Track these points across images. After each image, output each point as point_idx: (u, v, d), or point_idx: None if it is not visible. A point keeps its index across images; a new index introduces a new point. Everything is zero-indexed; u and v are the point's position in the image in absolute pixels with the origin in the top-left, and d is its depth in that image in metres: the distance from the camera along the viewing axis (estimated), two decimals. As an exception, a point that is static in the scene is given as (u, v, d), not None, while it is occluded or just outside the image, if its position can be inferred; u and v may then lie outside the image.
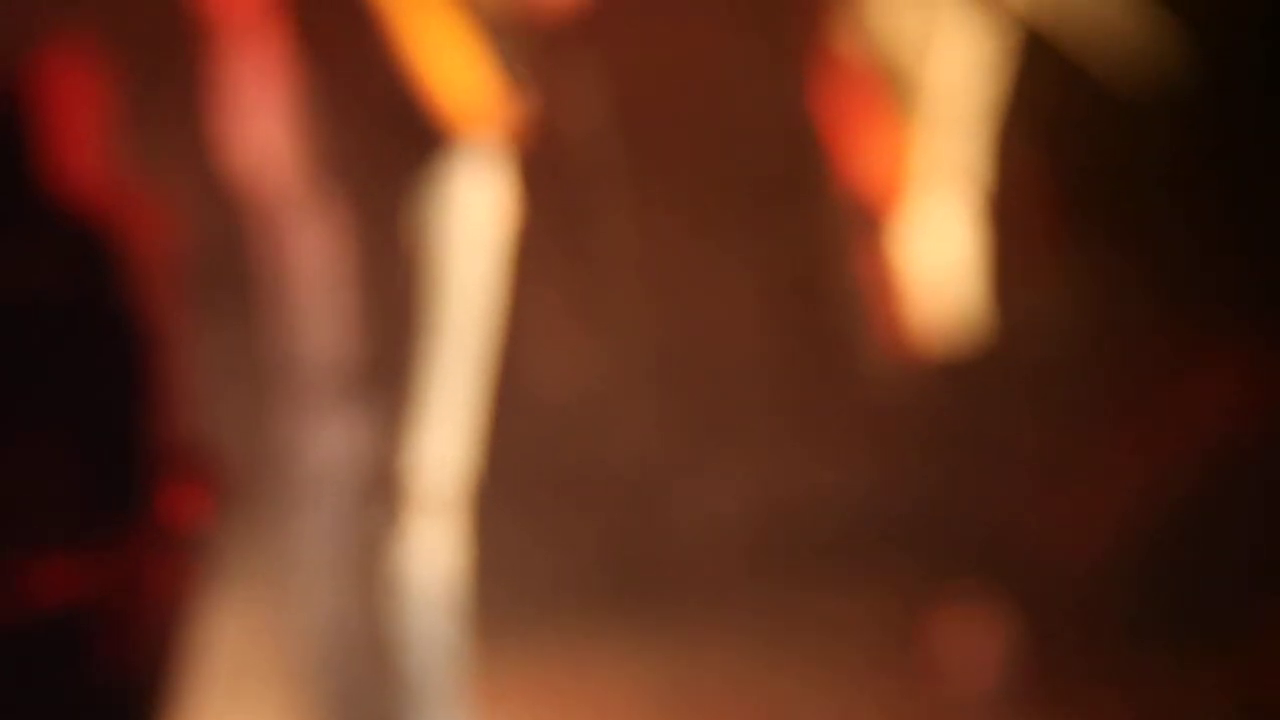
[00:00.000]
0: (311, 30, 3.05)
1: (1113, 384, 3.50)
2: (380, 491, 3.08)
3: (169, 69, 4.17)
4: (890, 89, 2.90)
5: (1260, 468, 3.08)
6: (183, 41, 3.63)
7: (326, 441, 3.10)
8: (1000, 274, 2.89)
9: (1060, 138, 2.98)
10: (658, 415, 3.96)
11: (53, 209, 2.87)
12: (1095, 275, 3.38)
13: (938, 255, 2.91)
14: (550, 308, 4.00)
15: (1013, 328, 2.93)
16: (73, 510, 2.67)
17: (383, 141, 3.04)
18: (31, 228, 2.84)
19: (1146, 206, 4.94)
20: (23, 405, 2.70)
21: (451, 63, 3.03)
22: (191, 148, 3.81)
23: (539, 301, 3.70)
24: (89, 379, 2.75)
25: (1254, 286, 3.18)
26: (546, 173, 3.27)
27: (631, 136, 3.47)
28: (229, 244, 3.77)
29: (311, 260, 3.11)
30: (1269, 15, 4.64)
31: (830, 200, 3.17)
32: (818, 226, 3.68)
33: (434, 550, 3.06)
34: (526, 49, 3.12)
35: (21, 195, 2.84)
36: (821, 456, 3.49)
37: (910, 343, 3.01)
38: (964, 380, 2.96)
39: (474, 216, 3.10)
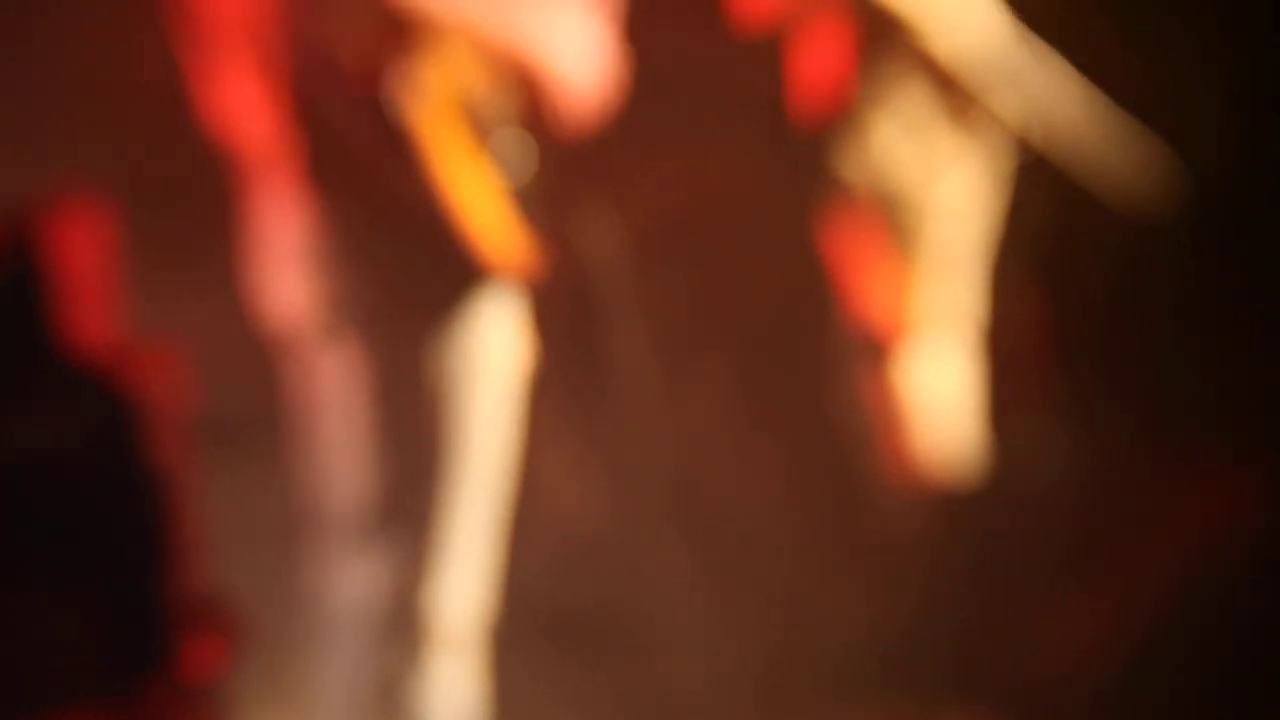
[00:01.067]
0: (330, 173, 3.11)
1: (1108, 513, 3.55)
2: (400, 630, 3.11)
3: (191, 214, 4.26)
4: (894, 221, 2.98)
5: (1249, 586, 3.12)
6: (205, 186, 3.70)
7: (347, 582, 3.14)
8: (996, 406, 2.96)
9: (1054, 265, 3.04)
10: (671, 554, 4.02)
11: (68, 368, 2.93)
12: (1088, 405, 3.44)
13: (939, 388, 2.98)
14: (566, 447, 4.06)
15: (1010, 459, 2.99)
16: (93, 666, 2.71)
17: (404, 282, 3.09)
18: (48, 387, 2.91)
19: (1139, 334, 5.01)
20: (40, 562, 2.76)
21: (471, 203, 3.09)
22: (213, 292, 3.86)
23: (555, 441, 3.76)
24: (107, 535, 2.80)
25: (1245, 414, 3.23)
26: (561, 311, 3.34)
27: (645, 273, 3.54)
28: (251, 388, 3.85)
29: (332, 402, 3.14)
30: (1261, 145, 4.74)
31: (838, 333, 3.23)
32: (826, 358, 3.74)
33: (452, 688, 3.10)
34: (541, 187, 3.19)
35: (37, 356, 2.91)
36: (831, 591, 3.53)
37: (914, 474, 3.06)
38: (963, 511, 3.01)
39: (492, 355, 3.14)
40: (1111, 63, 4.19)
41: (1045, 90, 2.94)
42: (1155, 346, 4.37)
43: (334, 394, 3.14)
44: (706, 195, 4.65)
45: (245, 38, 3.14)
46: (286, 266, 3.16)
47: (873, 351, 3.05)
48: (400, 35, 3.07)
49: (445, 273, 3.10)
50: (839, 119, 3.03)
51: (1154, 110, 3.06)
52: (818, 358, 3.65)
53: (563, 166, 3.33)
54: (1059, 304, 2.92)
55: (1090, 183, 3.12)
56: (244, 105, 3.17)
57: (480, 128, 3.16)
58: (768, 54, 3.21)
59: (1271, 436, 3.30)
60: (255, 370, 3.43)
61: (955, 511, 3.01)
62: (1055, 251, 3.02)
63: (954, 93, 2.98)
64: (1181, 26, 5.13)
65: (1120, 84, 3.09)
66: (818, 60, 3.08)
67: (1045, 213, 2.99)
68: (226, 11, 3.15)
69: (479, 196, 3.11)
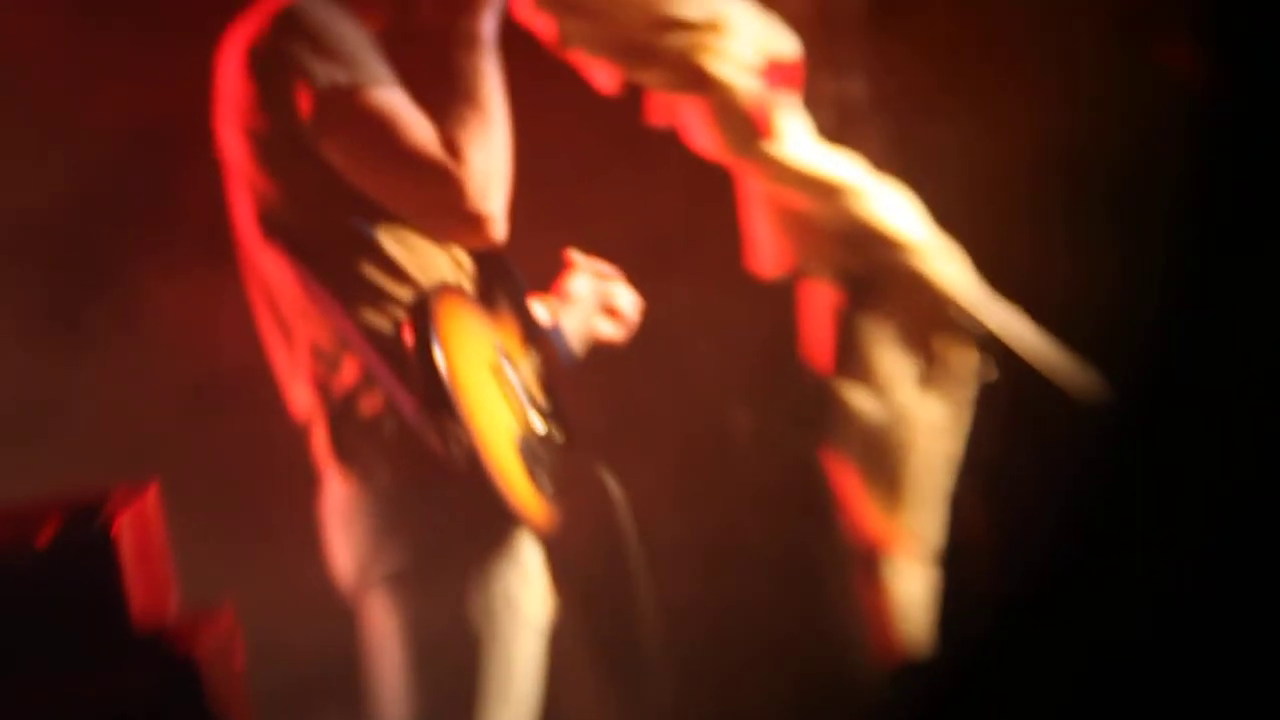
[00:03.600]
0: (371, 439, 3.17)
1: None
2: None
3: (253, 494, 4.41)
4: (877, 447, 3.18)
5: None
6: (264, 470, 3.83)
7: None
8: (946, 613, 3.17)
9: (1003, 489, 3.27)
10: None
11: (137, 645, 3.05)
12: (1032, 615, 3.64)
13: (909, 591, 3.18)
14: (591, 686, 4.19)
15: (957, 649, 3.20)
16: None
17: (442, 536, 3.14)
18: (119, 664, 3.03)
19: (1080, 555, 5.16)
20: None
21: (502, 456, 3.13)
22: (277, 560, 3.95)
23: (575, 685, 3.86)
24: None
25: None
26: (574, 562, 3.46)
27: (647, 521, 3.67)
28: (311, 650, 3.99)
29: (381, 657, 3.21)
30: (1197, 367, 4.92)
31: (834, 544, 3.39)
32: (827, 568, 3.90)
33: None
34: (552, 451, 3.28)
35: (108, 636, 3.02)
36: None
37: (897, 657, 3.24)
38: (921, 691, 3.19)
39: (523, 603, 3.20)
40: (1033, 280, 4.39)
41: (999, 320, 3.16)
42: (1093, 567, 4.54)
43: (382, 649, 3.19)
44: (716, 431, 4.84)
45: (298, 319, 3.22)
46: (343, 525, 3.21)
47: (865, 559, 3.22)
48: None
49: (479, 525, 3.14)
50: (837, 360, 3.21)
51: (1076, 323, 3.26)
52: (819, 569, 3.84)
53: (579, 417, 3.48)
54: (1003, 522, 3.11)
55: (1034, 401, 3.31)
56: (299, 380, 3.24)
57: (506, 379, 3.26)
58: (781, 299, 3.38)
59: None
60: (314, 632, 3.58)
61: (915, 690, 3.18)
62: (1003, 474, 3.20)
63: (928, 329, 3.19)
64: (1093, 228, 5.33)
65: (1042, 299, 3.29)
66: (819, 305, 3.27)
67: (996, 437, 3.18)
68: (281, 299, 3.24)
69: (508, 447, 3.17)
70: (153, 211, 4.77)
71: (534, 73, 3.61)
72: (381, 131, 3.13)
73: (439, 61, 3.28)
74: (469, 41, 3.27)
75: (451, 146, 3.15)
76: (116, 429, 4.49)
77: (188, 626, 3.20)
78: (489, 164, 3.17)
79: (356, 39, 3.20)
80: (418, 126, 3.14)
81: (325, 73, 3.13)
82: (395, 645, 3.19)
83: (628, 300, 3.69)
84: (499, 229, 3.18)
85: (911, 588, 3.15)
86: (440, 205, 3.15)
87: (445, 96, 3.22)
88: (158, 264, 4.81)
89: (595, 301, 3.64)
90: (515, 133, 3.35)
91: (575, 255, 3.68)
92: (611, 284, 3.68)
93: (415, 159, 3.13)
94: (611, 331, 3.67)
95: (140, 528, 3.23)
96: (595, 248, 4.07)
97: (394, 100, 3.15)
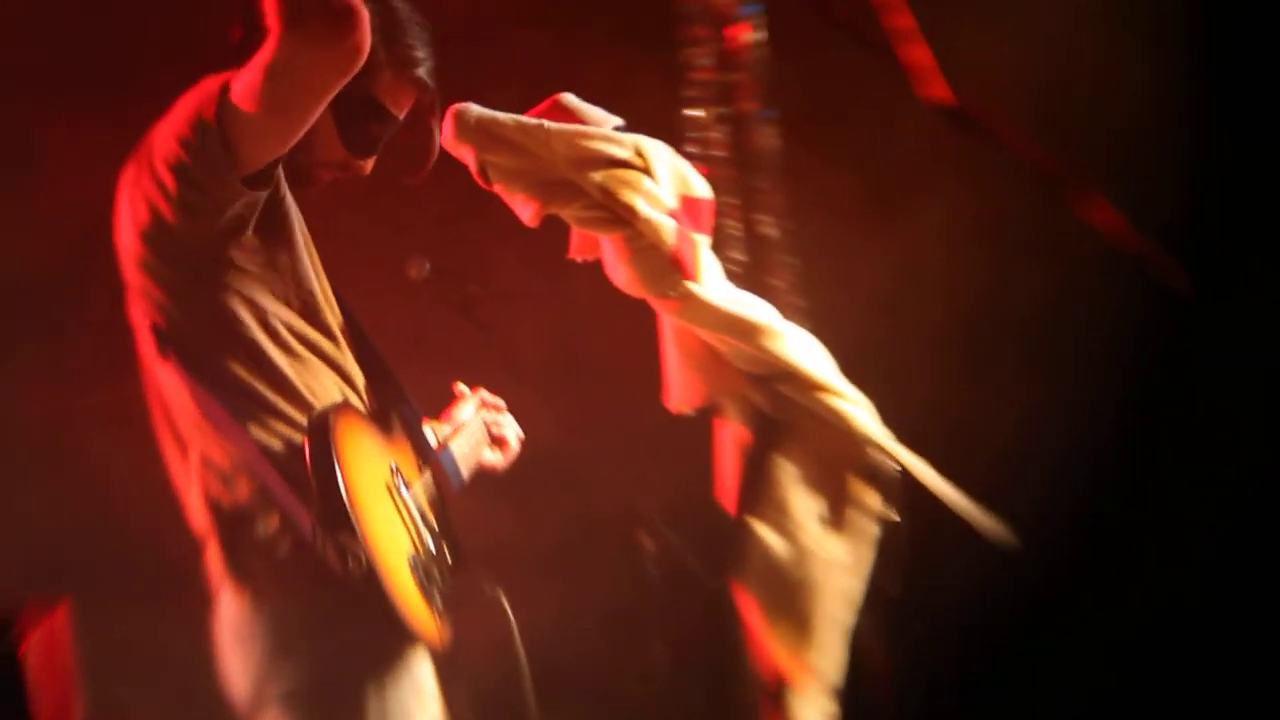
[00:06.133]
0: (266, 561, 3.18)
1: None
2: None
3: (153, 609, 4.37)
4: (786, 585, 3.20)
5: None
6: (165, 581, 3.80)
7: None
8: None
9: (902, 624, 3.30)
10: None
11: None
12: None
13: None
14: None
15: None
16: None
17: (340, 655, 3.15)
18: None
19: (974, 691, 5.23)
20: None
21: (398, 575, 3.14)
22: (172, 676, 3.91)
23: None
24: None
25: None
26: (467, 679, 3.47)
27: (545, 644, 3.68)
28: None
29: None
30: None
31: (741, 675, 3.40)
32: (730, 699, 3.92)
33: None
34: (445, 570, 3.31)
35: None
36: None
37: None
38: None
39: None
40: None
41: (903, 459, 3.19)
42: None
43: None
44: (624, 559, 4.85)
45: (195, 434, 3.23)
46: (239, 642, 3.21)
47: (770, 691, 3.23)
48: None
49: (375, 643, 3.16)
50: (746, 497, 3.23)
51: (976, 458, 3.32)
52: (725, 700, 3.84)
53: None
54: (901, 660, 3.14)
55: (935, 539, 3.36)
56: (196, 491, 3.24)
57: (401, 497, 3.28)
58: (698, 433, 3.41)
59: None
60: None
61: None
62: (901, 615, 3.23)
63: (835, 468, 3.23)
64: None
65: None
66: (730, 442, 3.30)
67: (900, 578, 3.21)
68: (178, 414, 3.24)
69: (403, 565, 3.19)
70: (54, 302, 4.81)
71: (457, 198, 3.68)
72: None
73: None
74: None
75: None
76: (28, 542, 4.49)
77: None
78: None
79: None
80: None
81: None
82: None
83: (513, 431, 3.80)
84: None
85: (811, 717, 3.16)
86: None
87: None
88: (57, 372, 4.84)
89: (482, 430, 3.74)
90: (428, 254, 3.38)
91: (462, 385, 3.76)
92: (498, 414, 3.79)
93: None
94: (496, 460, 3.78)
95: (49, 646, 3.22)
96: (514, 372, 4.12)
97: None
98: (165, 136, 3.20)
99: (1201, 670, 5.20)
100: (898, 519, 3.15)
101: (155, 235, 3.21)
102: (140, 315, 3.28)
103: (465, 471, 3.62)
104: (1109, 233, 2.33)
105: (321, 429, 3.14)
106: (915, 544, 3.12)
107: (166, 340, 3.23)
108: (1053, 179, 2.37)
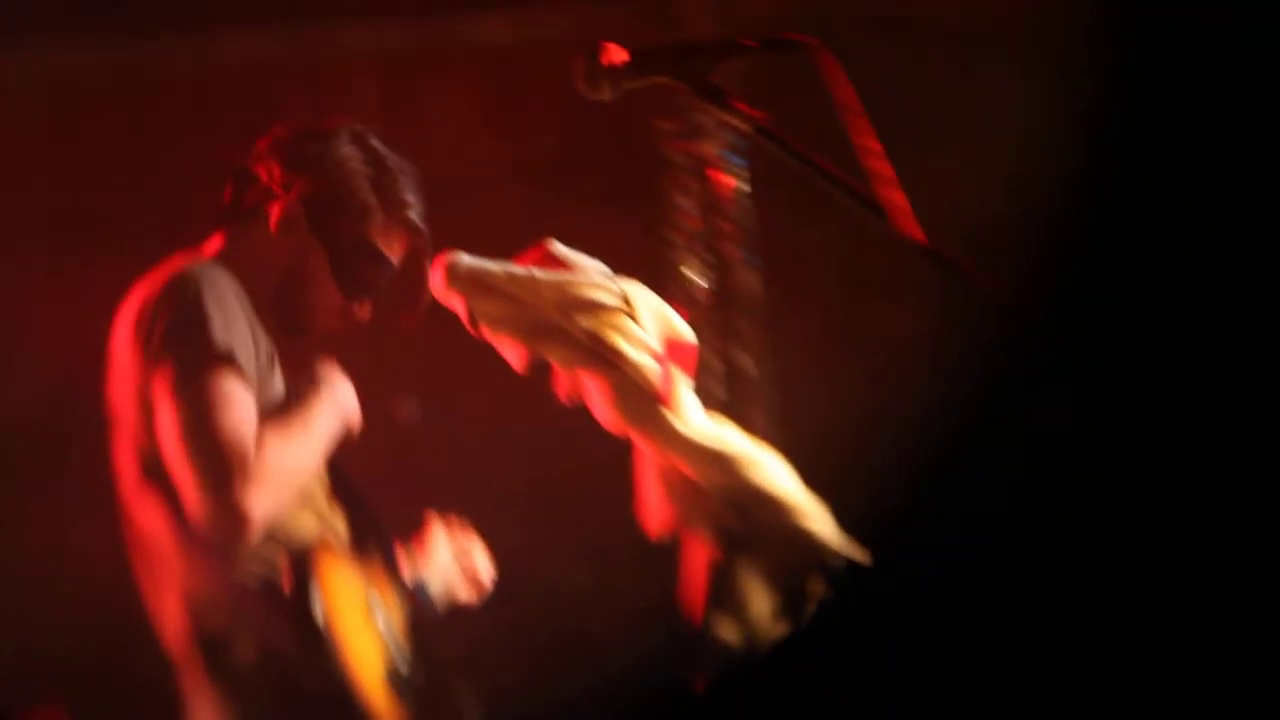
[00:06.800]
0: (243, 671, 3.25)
1: None
2: None
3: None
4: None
5: None
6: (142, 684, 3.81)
7: None
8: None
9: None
10: None
11: None
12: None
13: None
14: None
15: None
16: None
17: None
18: None
19: None
20: None
21: (371, 688, 3.23)
22: None
23: None
24: None
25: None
26: None
27: None
28: None
29: None
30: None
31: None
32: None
33: None
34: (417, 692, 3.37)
35: None
36: None
37: None
38: None
39: None
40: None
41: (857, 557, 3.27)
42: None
43: None
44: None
45: (168, 564, 3.30)
46: None
47: None
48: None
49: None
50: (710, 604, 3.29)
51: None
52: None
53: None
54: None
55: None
56: (171, 615, 3.32)
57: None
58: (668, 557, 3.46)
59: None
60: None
61: None
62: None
63: (798, 574, 3.30)
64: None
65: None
66: (697, 559, 3.36)
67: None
68: (153, 544, 3.32)
69: (378, 687, 3.27)
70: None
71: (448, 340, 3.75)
72: (200, 411, 3.20)
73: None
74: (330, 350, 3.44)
75: (259, 441, 3.23)
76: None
77: None
78: (282, 471, 3.24)
79: (238, 314, 3.31)
80: (235, 414, 3.22)
81: (189, 341, 3.23)
82: None
83: (484, 564, 3.86)
84: (251, 533, 3.20)
85: None
86: (213, 496, 3.17)
87: (296, 396, 3.37)
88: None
89: (455, 562, 3.81)
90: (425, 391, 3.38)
91: (435, 516, 3.82)
92: (471, 548, 3.85)
93: (213, 443, 3.18)
94: (467, 595, 3.83)
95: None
96: (496, 507, 4.16)
97: (231, 386, 3.22)
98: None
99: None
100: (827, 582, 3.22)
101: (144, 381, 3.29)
102: (125, 449, 3.34)
103: (439, 603, 3.70)
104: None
105: (302, 565, 3.22)
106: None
107: (150, 469, 3.28)
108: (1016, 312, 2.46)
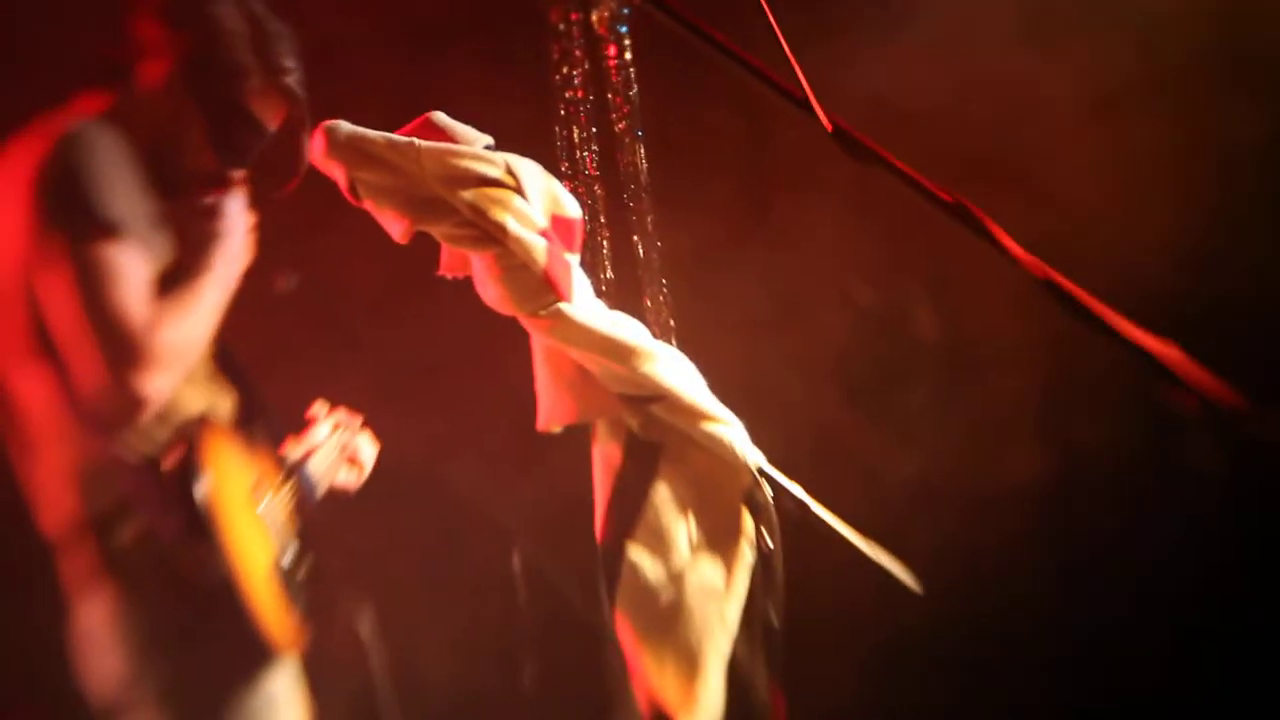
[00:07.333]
0: (129, 560, 3.18)
1: None
2: None
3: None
4: (664, 617, 3.17)
5: None
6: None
7: None
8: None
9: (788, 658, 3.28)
10: None
11: None
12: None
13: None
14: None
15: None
16: None
17: (199, 657, 3.17)
18: None
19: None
20: None
21: (257, 582, 3.18)
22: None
23: None
24: None
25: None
26: (328, 687, 3.45)
27: (413, 663, 3.66)
28: None
29: None
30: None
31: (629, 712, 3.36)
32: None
33: None
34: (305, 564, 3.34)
35: None
36: None
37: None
38: None
39: None
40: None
41: (778, 483, 3.18)
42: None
43: None
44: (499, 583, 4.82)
45: (52, 440, 3.23)
46: (97, 647, 3.23)
47: None
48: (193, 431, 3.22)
49: (237, 647, 3.18)
50: (618, 521, 3.20)
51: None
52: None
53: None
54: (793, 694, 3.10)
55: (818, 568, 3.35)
56: (52, 500, 3.25)
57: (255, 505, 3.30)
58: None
59: None
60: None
61: None
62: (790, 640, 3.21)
63: (707, 492, 3.21)
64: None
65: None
66: (603, 465, 3.27)
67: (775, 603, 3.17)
68: (37, 419, 3.24)
69: (262, 575, 3.22)
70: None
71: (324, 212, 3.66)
72: (92, 285, 3.12)
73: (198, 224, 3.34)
74: (218, 213, 3.34)
75: (155, 318, 3.16)
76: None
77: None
78: (177, 348, 3.18)
79: (123, 180, 3.21)
80: (130, 289, 3.14)
81: (78, 208, 3.14)
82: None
83: (367, 451, 3.82)
84: (145, 414, 3.16)
85: None
86: (107, 376, 3.12)
87: (183, 261, 3.27)
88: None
89: (337, 449, 3.74)
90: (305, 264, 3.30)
91: (321, 405, 3.76)
92: (355, 434, 3.80)
93: (107, 320, 3.12)
94: (349, 478, 3.79)
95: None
96: (380, 388, 4.07)
97: (121, 256, 3.14)
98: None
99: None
100: (772, 545, 3.11)
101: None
102: (9, 319, 3.24)
103: (319, 490, 3.62)
104: (1007, 254, 2.31)
105: (186, 442, 3.17)
106: (797, 571, 3.08)
107: (37, 342, 3.20)
108: (942, 203, 2.35)
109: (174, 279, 3.25)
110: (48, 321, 3.16)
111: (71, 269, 3.11)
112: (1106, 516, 5.31)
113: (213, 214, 3.36)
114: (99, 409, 3.12)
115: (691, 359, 3.22)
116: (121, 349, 3.10)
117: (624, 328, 3.17)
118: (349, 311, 5.11)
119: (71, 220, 3.14)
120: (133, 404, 3.11)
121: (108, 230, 3.13)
